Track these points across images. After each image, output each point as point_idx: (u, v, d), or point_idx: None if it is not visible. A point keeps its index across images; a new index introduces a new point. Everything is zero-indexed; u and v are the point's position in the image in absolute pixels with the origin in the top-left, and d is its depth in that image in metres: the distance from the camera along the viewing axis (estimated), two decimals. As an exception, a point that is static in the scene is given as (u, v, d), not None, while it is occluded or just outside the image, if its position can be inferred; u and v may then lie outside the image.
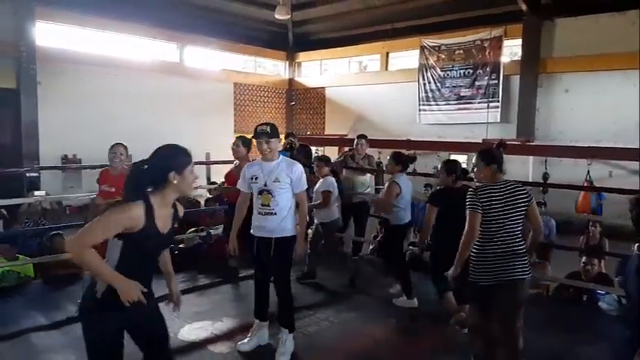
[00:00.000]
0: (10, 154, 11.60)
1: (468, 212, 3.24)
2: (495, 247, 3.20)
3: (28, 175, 10.94)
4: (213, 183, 9.63)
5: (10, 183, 9.68)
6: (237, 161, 5.45)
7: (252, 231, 3.73)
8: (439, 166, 4.51)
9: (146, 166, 2.27)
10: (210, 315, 4.56)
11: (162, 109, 14.71)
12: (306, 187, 3.72)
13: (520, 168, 12.06)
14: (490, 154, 3.39)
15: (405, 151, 5.43)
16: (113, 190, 4.44)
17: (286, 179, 3.60)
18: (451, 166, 4.45)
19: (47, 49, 12.58)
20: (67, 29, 13.60)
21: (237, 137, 5.52)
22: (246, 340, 3.87)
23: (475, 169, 3.42)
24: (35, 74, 12.02)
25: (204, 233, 6.63)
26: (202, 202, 9.29)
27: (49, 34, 13.05)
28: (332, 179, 5.45)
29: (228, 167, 5.91)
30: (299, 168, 3.68)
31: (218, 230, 6.71)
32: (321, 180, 5.44)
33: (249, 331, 3.95)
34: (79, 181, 12.14)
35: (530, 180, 10.82)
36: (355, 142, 6.51)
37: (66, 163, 12.47)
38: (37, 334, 4.07)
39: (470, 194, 3.27)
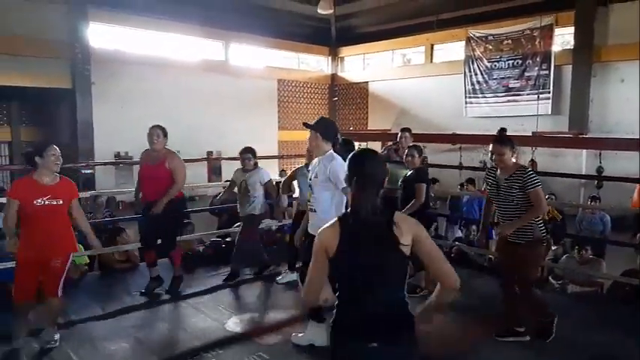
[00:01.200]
0: (67, 152, 12.14)
1: (539, 190, 3.56)
2: None
3: (83, 171, 11.46)
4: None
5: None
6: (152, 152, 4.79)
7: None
8: (407, 151, 5.00)
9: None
10: (257, 307, 4.65)
11: (208, 106, 15.06)
12: (344, 185, 3.49)
13: (572, 161, 11.64)
14: (511, 139, 3.72)
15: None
16: (61, 202, 3.61)
17: (322, 176, 3.54)
18: (421, 149, 5.07)
19: (100, 50, 13.10)
20: (118, 30, 14.13)
21: (156, 126, 4.73)
22: (300, 335, 3.87)
23: (500, 156, 3.65)
24: (89, 75, 12.58)
25: (249, 227, 6.72)
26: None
27: (101, 36, 13.58)
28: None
29: (273, 163, 5.90)
30: (335, 164, 3.53)
31: (263, 224, 6.80)
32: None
33: (294, 324, 3.99)
34: (131, 177, 12.59)
35: (584, 173, 10.45)
36: (399, 135, 6.41)
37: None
38: (94, 323, 4.26)
39: (533, 174, 3.60)
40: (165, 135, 4.71)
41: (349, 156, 2.08)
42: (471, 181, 9.05)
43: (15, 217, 3.56)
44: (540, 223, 3.72)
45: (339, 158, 3.62)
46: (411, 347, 1.97)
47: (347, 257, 1.92)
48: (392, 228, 1.90)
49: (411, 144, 5.42)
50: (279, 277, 5.40)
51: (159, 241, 4.97)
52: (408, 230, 1.91)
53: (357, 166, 2.00)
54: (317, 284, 2.02)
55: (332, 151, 3.65)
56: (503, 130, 3.87)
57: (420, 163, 5.02)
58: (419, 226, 1.96)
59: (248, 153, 5.43)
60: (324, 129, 3.61)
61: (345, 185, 3.50)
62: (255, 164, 5.44)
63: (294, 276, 5.22)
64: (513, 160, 3.70)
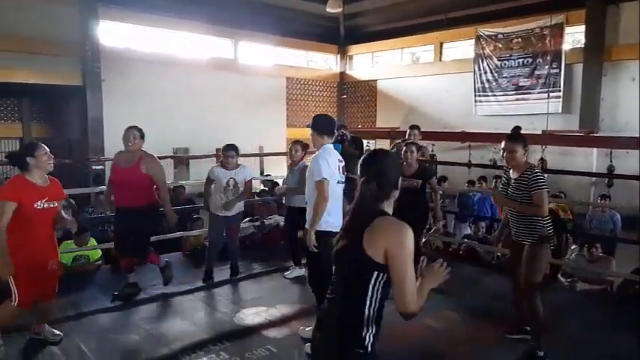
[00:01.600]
0: (78, 148, 12.30)
1: (544, 193, 3.50)
2: None
3: (93, 167, 11.57)
4: (267, 175, 9.85)
5: (77, 176, 10.27)
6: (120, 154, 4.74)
7: None
8: (404, 149, 4.99)
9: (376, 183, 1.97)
10: (265, 301, 4.67)
11: (217, 104, 15.10)
12: (318, 178, 3.53)
13: (583, 160, 11.56)
14: (524, 137, 3.67)
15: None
16: (56, 204, 3.51)
17: (311, 170, 3.66)
18: (420, 147, 5.15)
19: (110, 47, 13.18)
20: (128, 28, 14.19)
21: (132, 127, 4.61)
22: (308, 328, 3.90)
23: (511, 154, 3.60)
24: (99, 72, 12.63)
25: (258, 223, 6.78)
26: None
27: (111, 34, 13.66)
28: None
29: (281, 160, 5.90)
30: (317, 158, 3.60)
31: (271, 220, 6.84)
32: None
33: (302, 318, 4.01)
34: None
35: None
36: (407, 132, 6.40)
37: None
38: (103, 315, 4.32)
39: (540, 176, 3.52)
40: (142, 137, 4.55)
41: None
42: (483, 179, 9.04)
43: (9, 221, 3.25)
44: (548, 223, 3.66)
45: (329, 150, 3.68)
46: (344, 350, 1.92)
47: (334, 248, 2.03)
48: (363, 229, 1.86)
49: (410, 141, 5.43)
50: (287, 273, 5.42)
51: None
52: (380, 239, 1.83)
53: (363, 165, 2.04)
54: None
55: (329, 144, 3.72)
56: (517, 127, 3.85)
57: (417, 160, 5.04)
58: (396, 238, 1.82)
59: (232, 150, 5.19)
60: (317, 125, 3.73)
61: (318, 178, 3.54)
62: (236, 162, 5.26)
63: (302, 271, 5.24)
64: (524, 158, 3.66)
